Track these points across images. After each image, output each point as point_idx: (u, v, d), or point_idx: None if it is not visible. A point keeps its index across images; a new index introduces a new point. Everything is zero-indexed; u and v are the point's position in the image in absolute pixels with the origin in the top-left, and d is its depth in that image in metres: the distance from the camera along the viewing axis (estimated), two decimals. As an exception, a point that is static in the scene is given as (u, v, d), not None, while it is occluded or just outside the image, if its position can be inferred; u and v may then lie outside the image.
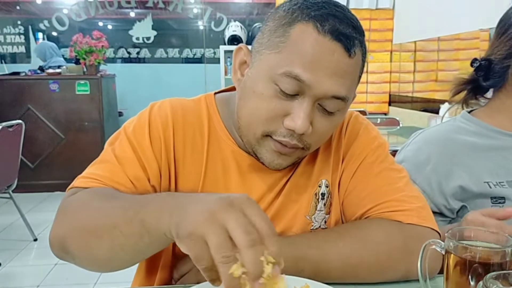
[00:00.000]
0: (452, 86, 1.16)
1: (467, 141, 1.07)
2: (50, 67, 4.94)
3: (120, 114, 5.61)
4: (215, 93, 0.91)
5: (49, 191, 4.55)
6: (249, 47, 0.81)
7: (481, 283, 0.50)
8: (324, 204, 0.87)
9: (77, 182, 0.78)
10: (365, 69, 0.79)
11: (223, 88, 0.93)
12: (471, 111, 1.15)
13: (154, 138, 0.81)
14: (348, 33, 0.71)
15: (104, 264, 0.70)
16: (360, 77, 0.78)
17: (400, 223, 0.78)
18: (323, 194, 0.87)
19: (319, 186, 0.87)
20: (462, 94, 1.16)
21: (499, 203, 1.01)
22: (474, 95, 1.13)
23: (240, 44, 0.82)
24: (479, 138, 1.07)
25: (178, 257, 0.82)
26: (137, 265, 0.90)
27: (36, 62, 5.48)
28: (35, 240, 3.36)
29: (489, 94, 1.13)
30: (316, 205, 0.86)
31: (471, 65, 1.10)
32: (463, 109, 1.16)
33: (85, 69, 4.78)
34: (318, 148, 0.85)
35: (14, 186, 3.41)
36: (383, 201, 0.81)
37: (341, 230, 0.80)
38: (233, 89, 0.90)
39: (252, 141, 0.78)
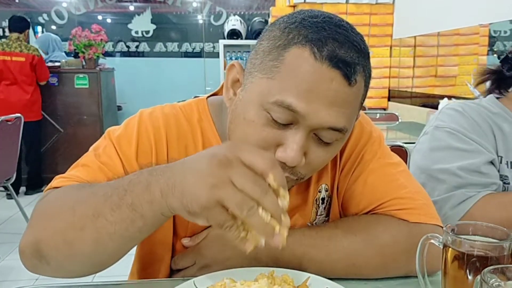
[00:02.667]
0: (476, 75, 1.19)
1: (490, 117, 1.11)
2: (50, 61, 4.92)
3: (119, 108, 5.61)
4: (207, 97, 0.86)
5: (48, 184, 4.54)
6: (242, 62, 0.74)
7: (478, 277, 0.50)
8: (324, 208, 0.86)
9: (55, 182, 0.73)
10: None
11: (221, 84, 0.88)
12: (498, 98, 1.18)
13: (143, 150, 0.76)
14: (348, 59, 0.64)
15: (87, 261, 0.65)
16: (362, 104, 0.71)
17: (407, 222, 0.77)
18: (323, 199, 0.85)
19: (319, 192, 0.85)
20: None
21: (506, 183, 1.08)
22: (497, 86, 1.16)
23: (233, 61, 0.75)
24: (499, 119, 1.11)
25: (178, 253, 0.82)
26: (131, 263, 0.89)
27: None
28: (34, 233, 3.36)
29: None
30: (317, 211, 0.85)
31: (498, 58, 1.14)
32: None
33: (84, 63, 4.77)
34: None
35: (13, 179, 3.41)
36: (387, 199, 0.80)
37: (346, 226, 0.78)
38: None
39: None
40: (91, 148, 0.78)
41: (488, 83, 1.17)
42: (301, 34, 0.65)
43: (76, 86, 4.70)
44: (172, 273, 0.82)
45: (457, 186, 1.04)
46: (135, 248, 0.86)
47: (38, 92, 4.43)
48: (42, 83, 4.45)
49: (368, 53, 0.69)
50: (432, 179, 1.08)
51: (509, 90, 1.14)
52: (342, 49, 0.64)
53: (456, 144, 1.07)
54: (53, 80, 4.64)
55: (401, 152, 1.94)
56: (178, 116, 0.80)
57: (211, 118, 0.81)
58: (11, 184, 3.40)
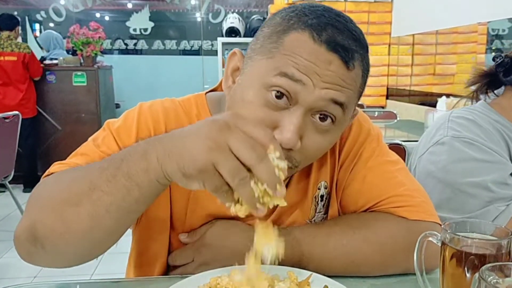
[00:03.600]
0: (470, 76, 1.16)
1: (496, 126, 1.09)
2: (51, 59, 4.91)
3: (117, 106, 5.59)
4: (206, 93, 0.85)
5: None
6: (244, 52, 0.75)
7: (477, 274, 0.50)
8: (323, 205, 0.86)
9: (52, 169, 0.73)
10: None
11: (219, 81, 0.87)
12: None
13: None
14: (346, 45, 0.65)
15: (82, 240, 0.62)
16: (361, 93, 0.72)
17: (405, 220, 0.78)
18: (322, 196, 0.85)
19: (318, 189, 0.85)
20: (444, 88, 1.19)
21: None
22: (486, 89, 1.14)
23: (235, 49, 0.76)
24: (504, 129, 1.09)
25: (174, 249, 0.82)
26: (127, 258, 0.89)
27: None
28: (32, 231, 3.35)
29: (498, 91, 1.14)
30: (316, 208, 0.85)
31: (493, 60, 1.11)
32: (473, 99, 1.18)
33: (82, 61, 4.76)
34: None
35: (11, 177, 3.41)
36: (386, 197, 0.80)
37: (345, 224, 0.78)
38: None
39: None
40: (90, 139, 0.78)
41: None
42: (301, 20, 0.67)
43: (74, 84, 4.69)
44: (168, 269, 0.82)
45: (489, 201, 1.00)
46: (131, 244, 0.86)
47: (32, 89, 4.44)
48: (36, 78, 4.46)
49: (367, 46, 0.70)
50: (461, 194, 1.03)
51: (496, 92, 1.14)
52: (341, 36, 0.65)
53: (481, 156, 1.03)
54: (51, 78, 4.63)
55: (399, 150, 1.94)
56: (177, 111, 0.80)
57: (210, 113, 0.81)
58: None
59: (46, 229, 0.62)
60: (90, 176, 0.61)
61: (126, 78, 6.00)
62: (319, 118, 0.68)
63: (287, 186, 0.81)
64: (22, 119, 3.47)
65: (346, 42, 0.65)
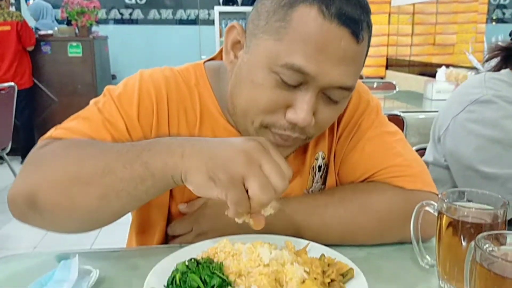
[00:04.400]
0: (487, 51, 1.17)
1: None
2: (37, 29, 4.82)
3: (113, 77, 5.54)
4: (204, 62, 0.84)
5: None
6: (243, 24, 0.73)
7: (472, 243, 0.50)
8: (321, 176, 0.86)
9: (54, 132, 0.71)
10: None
11: (217, 50, 0.86)
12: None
13: (145, 109, 0.75)
14: (356, 17, 0.64)
15: (85, 218, 0.64)
16: (365, 61, 0.72)
17: (402, 189, 0.78)
18: (319, 167, 0.85)
19: (316, 159, 0.85)
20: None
21: None
22: (505, 63, 1.14)
23: (233, 22, 0.73)
24: None
25: (174, 218, 0.82)
26: (127, 229, 0.90)
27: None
28: (32, 202, 3.37)
29: None
30: (314, 178, 0.86)
31: (510, 35, 1.14)
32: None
33: (77, 31, 4.68)
34: None
35: (8, 149, 3.41)
36: (383, 167, 0.80)
37: (342, 194, 0.79)
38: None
39: (249, 130, 0.72)
40: (91, 102, 0.77)
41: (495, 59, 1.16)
42: None
43: (69, 55, 4.63)
44: (167, 238, 0.83)
45: None
46: (132, 212, 0.86)
47: (28, 59, 4.39)
48: (30, 48, 4.39)
49: (370, 9, 0.69)
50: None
51: None
52: (349, 6, 0.64)
53: None
54: (46, 49, 4.57)
55: (398, 121, 1.95)
56: (177, 80, 0.80)
57: (209, 82, 0.81)
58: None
59: (50, 203, 0.62)
60: (106, 158, 0.61)
61: (122, 48, 5.92)
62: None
63: (286, 156, 0.82)
64: (18, 90, 3.45)
65: (355, 12, 0.64)
